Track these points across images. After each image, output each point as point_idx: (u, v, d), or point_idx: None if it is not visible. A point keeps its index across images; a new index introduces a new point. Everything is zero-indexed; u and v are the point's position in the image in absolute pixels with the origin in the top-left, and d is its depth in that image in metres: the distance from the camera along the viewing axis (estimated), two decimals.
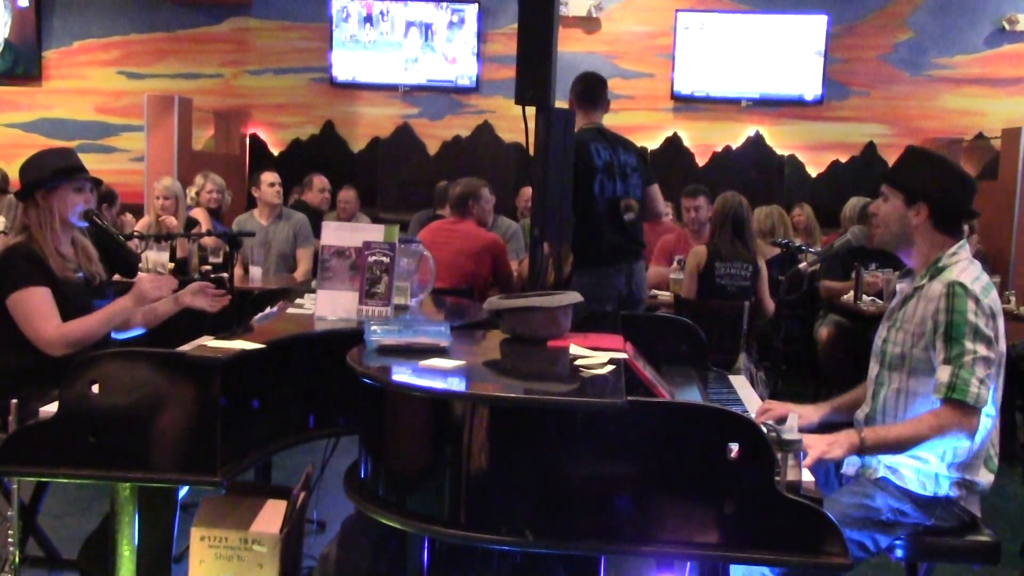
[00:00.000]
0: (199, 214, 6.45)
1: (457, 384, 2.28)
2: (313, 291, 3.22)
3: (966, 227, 5.65)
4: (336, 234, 3.12)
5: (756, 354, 5.42)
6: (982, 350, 2.42)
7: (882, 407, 2.64)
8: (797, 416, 2.42)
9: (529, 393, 2.22)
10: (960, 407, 2.40)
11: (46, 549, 3.43)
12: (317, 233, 5.58)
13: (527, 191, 7.15)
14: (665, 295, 5.82)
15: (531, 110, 3.43)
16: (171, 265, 5.69)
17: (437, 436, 2.14)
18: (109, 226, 3.49)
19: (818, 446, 2.37)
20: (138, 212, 7.31)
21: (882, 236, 2.69)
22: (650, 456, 1.98)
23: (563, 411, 2.01)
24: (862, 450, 2.46)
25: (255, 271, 5.86)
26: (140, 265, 5.48)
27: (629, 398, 1.97)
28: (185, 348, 2.60)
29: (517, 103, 3.38)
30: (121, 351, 2.53)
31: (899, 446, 2.49)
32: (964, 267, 2.56)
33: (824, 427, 2.70)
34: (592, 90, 4.59)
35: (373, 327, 2.49)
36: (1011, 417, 5.41)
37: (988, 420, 2.53)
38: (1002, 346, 2.52)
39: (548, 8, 3.32)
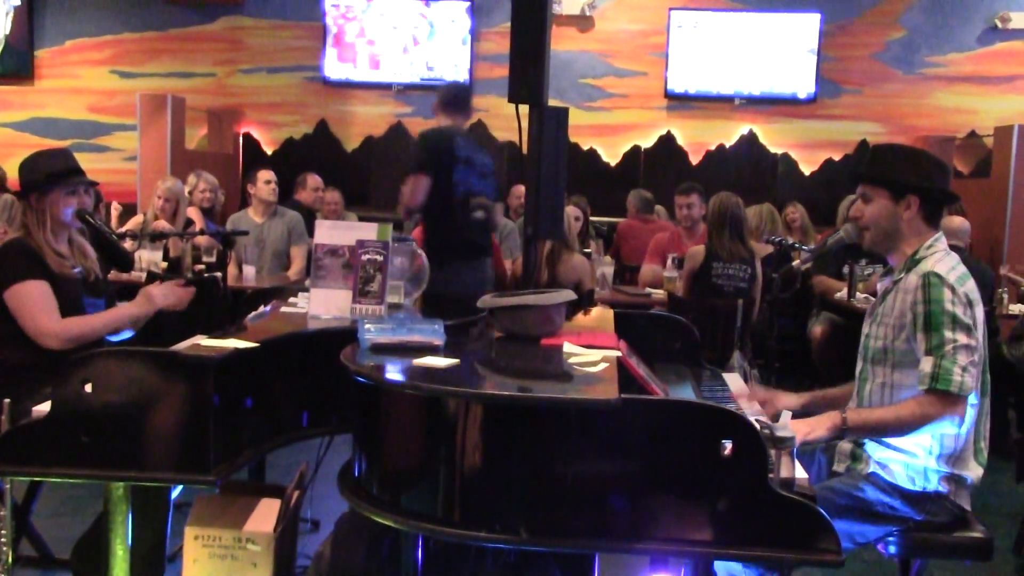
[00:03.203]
0: (192, 213, 6.44)
1: (451, 382, 2.28)
2: (307, 290, 3.21)
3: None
4: (329, 233, 3.11)
5: (750, 352, 5.43)
6: (962, 338, 2.44)
7: (868, 401, 2.65)
8: (790, 414, 2.43)
9: (523, 391, 2.22)
10: (945, 396, 2.42)
11: (39, 549, 3.43)
12: (311, 232, 5.57)
13: (519, 189, 7.15)
14: (659, 293, 5.82)
15: (524, 108, 3.42)
16: (164, 264, 5.68)
17: (431, 434, 2.14)
18: (102, 225, 3.52)
19: (800, 429, 2.42)
20: (131, 212, 7.31)
21: (873, 237, 2.70)
22: (644, 453, 1.98)
23: (557, 409, 2.02)
24: (844, 430, 2.49)
25: (248, 270, 5.86)
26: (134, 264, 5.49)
27: (622, 395, 1.97)
28: (178, 347, 2.60)
29: (510, 101, 3.38)
30: (114, 350, 2.53)
31: (881, 429, 2.52)
32: (940, 258, 2.58)
33: (806, 416, 2.71)
34: (458, 98, 4.87)
35: (367, 325, 2.49)
36: (1003, 413, 5.43)
37: (972, 411, 2.54)
38: (980, 334, 2.53)
39: (541, 6, 3.31)
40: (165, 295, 3.29)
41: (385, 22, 9.23)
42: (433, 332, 2.50)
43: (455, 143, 4.62)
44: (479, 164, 4.71)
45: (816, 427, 2.47)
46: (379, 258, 3.02)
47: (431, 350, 2.43)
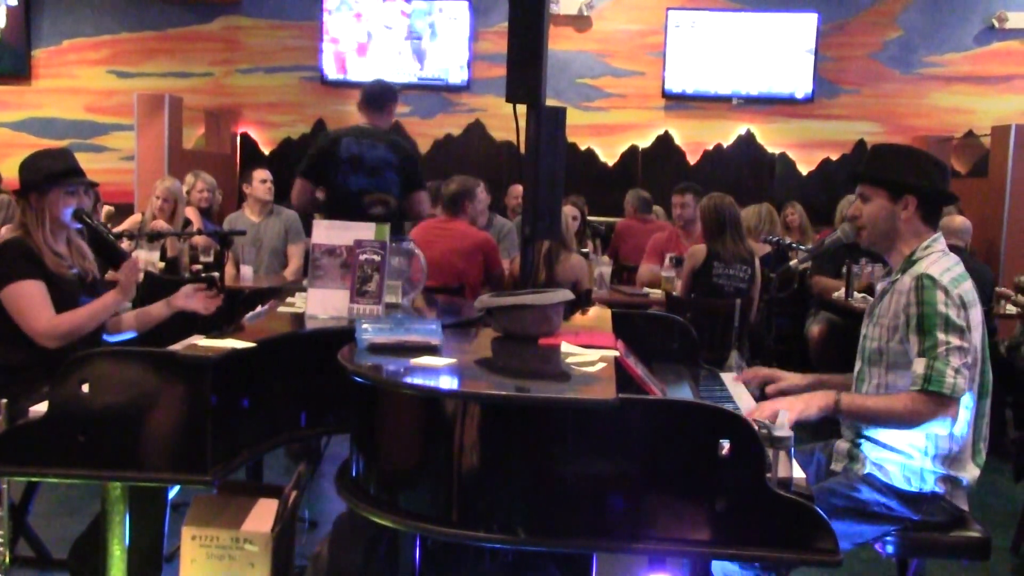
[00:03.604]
0: (190, 213, 6.44)
1: (448, 382, 2.28)
2: (304, 290, 3.21)
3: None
4: (327, 233, 3.11)
5: (748, 352, 5.43)
6: (955, 340, 2.44)
7: None
8: (787, 413, 2.43)
9: (520, 391, 2.22)
10: (937, 398, 2.42)
11: (36, 549, 3.42)
12: (308, 231, 5.58)
13: (517, 189, 7.15)
14: (657, 293, 5.82)
15: (522, 108, 3.42)
16: (161, 264, 5.68)
17: (428, 434, 2.13)
18: (100, 225, 3.52)
19: (795, 406, 2.46)
20: (128, 211, 7.30)
21: (870, 236, 2.70)
22: (641, 453, 1.98)
23: (554, 409, 2.01)
24: (836, 410, 2.52)
25: (246, 270, 5.85)
26: None
27: (620, 395, 1.97)
28: (176, 347, 2.60)
29: (508, 101, 3.37)
30: (111, 350, 2.52)
31: (872, 417, 2.54)
32: (935, 259, 2.58)
33: None
34: (373, 97, 5.03)
35: (364, 325, 2.49)
36: (1000, 413, 5.43)
37: (968, 412, 2.54)
38: (976, 336, 2.53)
39: (539, 6, 3.31)
40: (126, 273, 3.26)
41: (382, 22, 9.23)
42: (431, 332, 2.50)
43: (339, 145, 4.83)
44: (370, 161, 4.88)
45: (809, 406, 2.50)
46: (376, 258, 3.01)
47: (429, 350, 2.42)
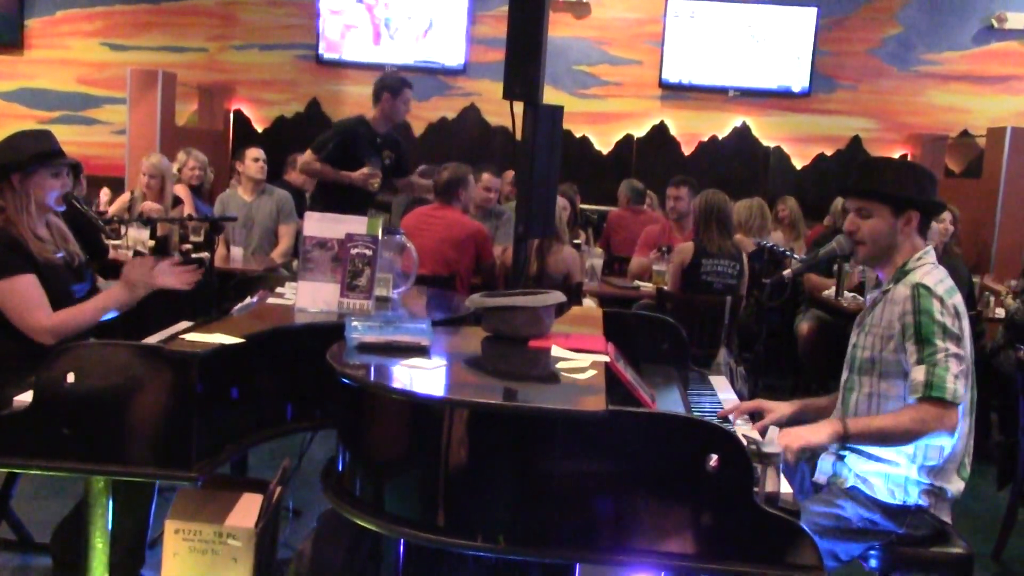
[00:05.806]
0: (181, 191, 6.39)
1: (436, 387, 2.27)
2: (294, 275, 3.18)
3: (950, 227, 5.73)
4: (318, 225, 3.08)
5: (736, 348, 5.43)
6: (953, 347, 2.45)
7: (853, 411, 2.65)
8: (777, 429, 2.43)
9: (509, 398, 2.21)
10: (939, 404, 2.41)
11: (19, 533, 3.41)
12: (300, 212, 5.56)
13: (509, 174, 7.13)
14: (647, 286, 5.81)
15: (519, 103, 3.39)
16: (151, 243, 5.64)
17: (415, 439, 2.12)
18: (89, 210, 3.45)
19: (801, 435, 2.42)
20: (119, 186, 7.25)
21: (870, 252, 2.68)
22: (629, 465, 1.97)
23: (542, 418, 2.00)
24: (845, 438, 2.48)
25: (236, 251, 5.82)
26: (120, 243, 5.46)
27: (610, 407, 1.96)
28: (163, 340, 2.58)
29: (504, 98, 3.35)
30: (98, 343, 2.50)
31: (881, 437, 2.50)
32: (928, 270, 2.59)
33: (796, 424, 2.70)
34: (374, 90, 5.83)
35: (354, 323, 2.47)
36: (986, 416, 5.45)
37: (963, 424, 2.54)
38: (968, 346, 2.53)
39: (539, 2, 3.28)
40: (134, 269, 3.14)
41: (379, 2, 9.15)
42: (421, 332, 2.48)
43: None
44: None
45: (818, 433, 2.46)
46: (368, 252, 3.00)
47: (418, 351, 2.41)
